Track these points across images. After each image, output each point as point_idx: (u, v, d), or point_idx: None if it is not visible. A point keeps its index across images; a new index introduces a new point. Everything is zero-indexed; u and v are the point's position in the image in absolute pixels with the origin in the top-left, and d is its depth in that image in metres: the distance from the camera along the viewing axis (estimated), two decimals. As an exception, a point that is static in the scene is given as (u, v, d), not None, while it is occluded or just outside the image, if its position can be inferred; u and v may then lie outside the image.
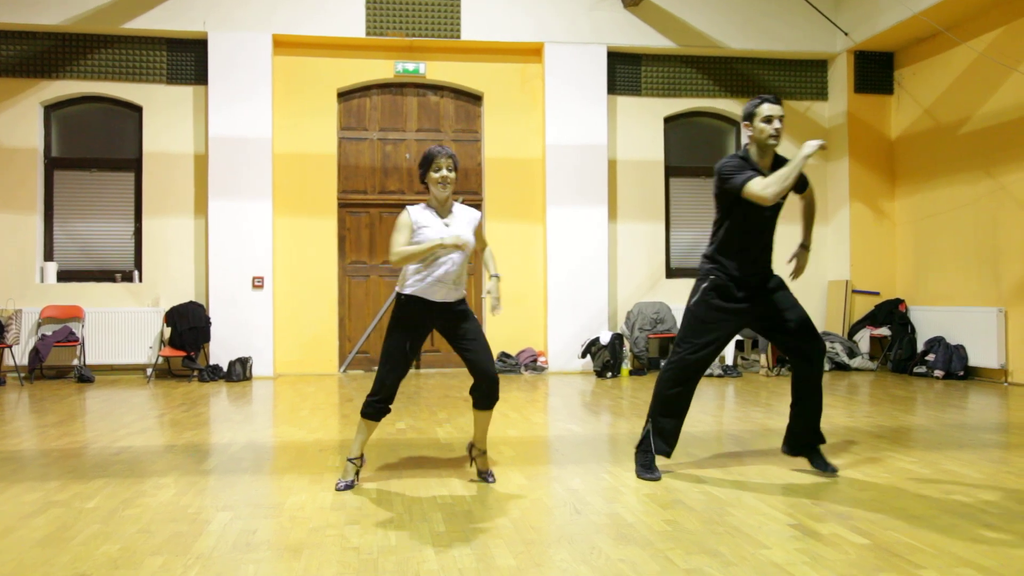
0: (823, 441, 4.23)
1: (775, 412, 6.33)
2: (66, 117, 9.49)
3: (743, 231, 4.02)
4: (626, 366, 9.24)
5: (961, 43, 8.76)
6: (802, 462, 4.32)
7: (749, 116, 4.05)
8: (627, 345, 9.44)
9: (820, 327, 10.13)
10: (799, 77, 10.42)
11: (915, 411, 6.44)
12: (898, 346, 9.40)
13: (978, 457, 4.56)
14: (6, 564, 2.84)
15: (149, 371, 9.07)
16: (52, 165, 9.41)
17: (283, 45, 9.52)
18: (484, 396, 3.92)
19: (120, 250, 9.49)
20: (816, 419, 4.19)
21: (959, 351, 8.68)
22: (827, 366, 9.28)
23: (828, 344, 9.54)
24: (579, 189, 9.73)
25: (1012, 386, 8.05)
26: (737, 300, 4.05)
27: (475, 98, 10.10)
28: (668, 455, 4.18)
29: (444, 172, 3.84)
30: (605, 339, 9.19)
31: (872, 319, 9.81)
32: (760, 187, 3.82)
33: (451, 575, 2.72)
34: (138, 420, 6.12)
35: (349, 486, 3.90)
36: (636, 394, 7.59)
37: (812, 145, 3.77)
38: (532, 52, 9.92)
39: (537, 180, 9.91)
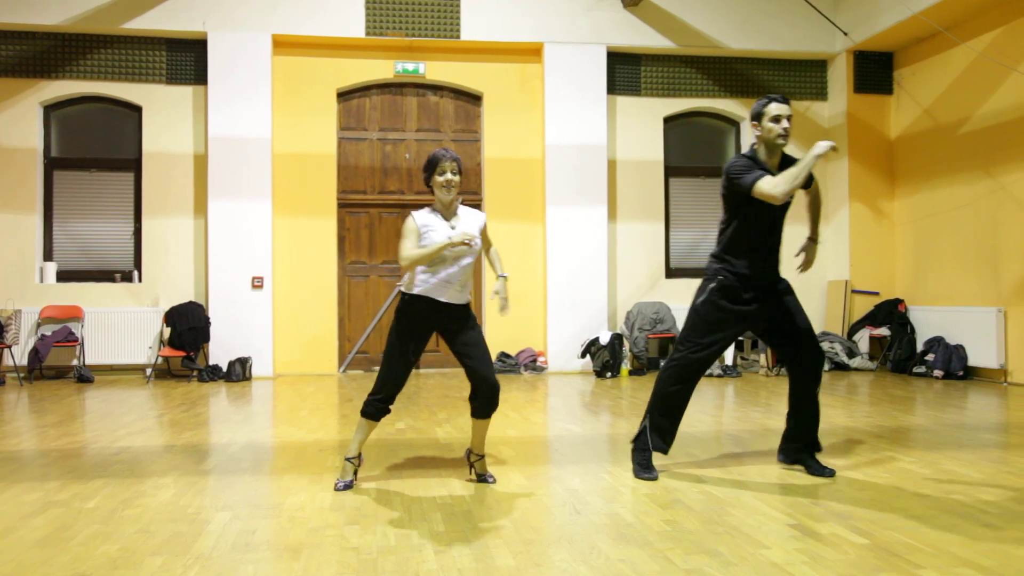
0: (819, 449, 4.23)
1: (774, 412, 6.33)
2: (66, 117, 9.49)
3: (752, 231, 4.01)
4: (626, 366, 9.25)
5: (961, 43, 8.77)
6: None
7: (757, 116, 4.04)
8: (627, 345, 9.44)
9: (820, 327, 10.13)
10: (799, 77, 10.42)
11: (914, 411, 6.45)
12: (897, 346, 9.41)
13: (978, 457, 4.56)
14: (6, 564, 2.84)
15: (149, 371, 9.06)
16: (52, 165, 9.41)
17: (283, 45, 9.52)
18: (484, 404, 3.91)
19: (120, 250, 9.49)
20: (814, 428, 4.20)
21: (958, 351, 8.68)
22: (827, 366, 9.28)
23: (828, 344, 9.54)
24: (579, 189, 9.73)
25: (1011, 386, 8.05)
26: (744, 302, 4.04)
27: (475, 98, 10.10)
28: (665, 452, 4.20)
29: (448, 175, 3.84)
30: (605, 339, 9.19)
31: (872, 319, 9.82)
32: (770, 186, 3.80)
33: (451, 575, 2.72)
34: (137, 420, 6.12)
35: (348, 486, 3.90)
36: (636, 394, 7.59)
37: (823, 145, 3.73)
38: (532, 52, 9.92)
39: (537, 180, 9.91)
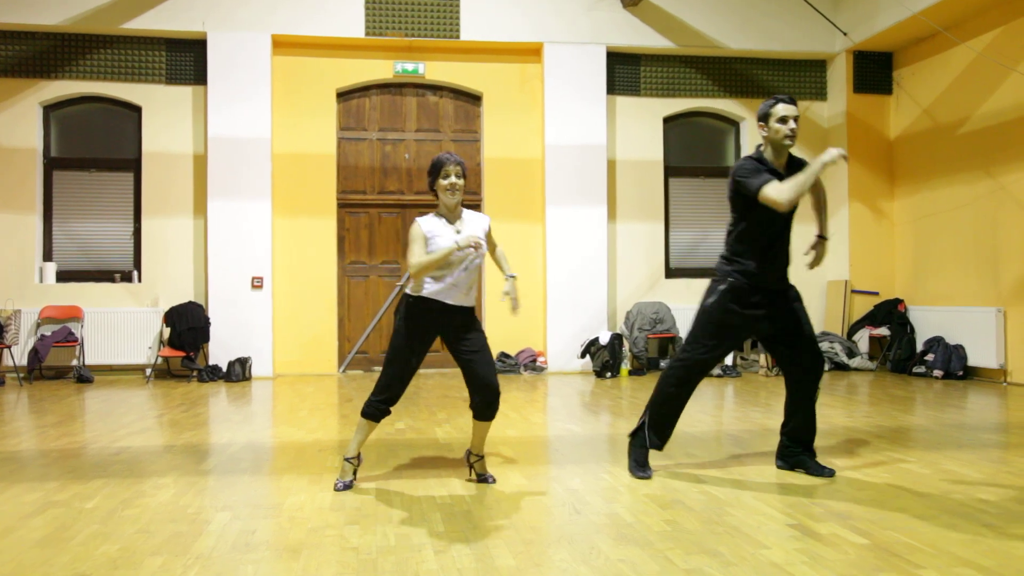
0: (814, 456, 4.23)
1: (774, 412, 6.33)
2: (65, 117, 9.49)
3: (760, 234, 4.00)
4: (625, 366, 9.25)
5: (960, 43, 8.77)
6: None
7: (764, 117, 4.02)
8: (626, 345, 9.44)
9: (819, 327, 10.13)
10: (798, 77, 10.43)
11: (914, 411, 6.45)
12: (897, 346, 9.41)
13: (977, 457, 4.56)
14: (5, 564, 2.84)
15: (148, 371, 9.06)
16: (51, 165, 9.41)
17: (282, 45, 9.52)
18: (486, 407, 3.91)
19: (119, 250, 9.49)
20: (811, 435, 4.20)
21: (958, 351, 8.68)
22: (827, 366, 9.28)
23: (828, 344, 9.55)
24: (578, 189, 9.73)
25: (1011, 386, 8.05)
26: (753, 306, 4.03)
27: (474, 98, 10.10)
28: (660, 448, 4.21)
29: (453, 179, 3.84)
30: (604, 339, 9.19)
31: (871, 319, 9.82)
32: (776, 192, 3.78)
33: (450, 575, 2.72)
34: (137, 420, 6.12)
35: (348, 486, 3.90)
36: (635, 394, 7.59)
37: (833, 153, 3.67)
38: (531, 52, 9.92)
39: (536, 180, 9.91)
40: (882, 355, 9.70)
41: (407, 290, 3.93)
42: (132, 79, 9.36)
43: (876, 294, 9.99)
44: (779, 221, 3.99)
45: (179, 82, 9.42)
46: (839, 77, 10.22)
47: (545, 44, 9.74)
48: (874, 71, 10.13)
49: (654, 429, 4.17)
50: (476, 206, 9.71)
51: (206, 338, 9.04)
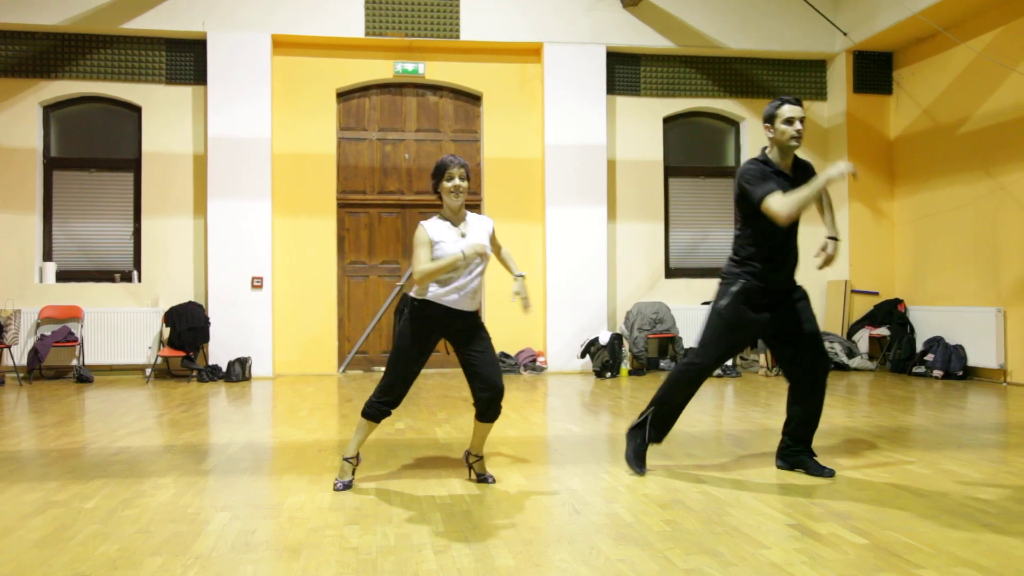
0: (814, 456, 4.23)
1: (774, 412, 6.33)
2: (65, 117, 9.49)
3: (768, 236, 3.99)
4: (625, 366, 9.25)
5: (960, 43, 8.77)
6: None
7: (770, 118, 4.02)
8: (626, 345, 9.44)
9: (820, 327, 10.12)
10: (798, 77, 10.42)
11: (914, 411, 6.45)
12: (897, 346, 9.41)
13: (977, 457, 4.56)
14: (5, 564, 2.84)
15: (148, 371, 9.06)
16: (51, 165, 9.41)
17: (282, 45, 9.52)
18: (490, 408, 3.90)
19: (119, 250, 9.49)
20: (810, 432, 4.20)
21: (958, 351, 8.68)
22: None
23: (827, 344, 9.54)
24: (578, 189, 9.73)
25: (1011, 386, 8.05)
26: (762, 309, 4.04)
27: (474, 98, 10.10)
28: (659, 442, 4.28)
29: (456, 181, 3.84)
30: (604, 339, 9.19)
31: (871, 319, 9.82)
32: (778, 206, 3.78)
33: (450, 575, 2.72)
34: (137, 420, 6.12)
35: (347, 486, 3.91)
36: (635, 394, 7.59)
37: (840, 168, 3.66)
38: (531, 52, 9.93)
39: (536, 180, 9.91)
40: (882, 355, 9.70)
41: (411, 293, 3.93)
42: (132, 79, 9.36)
43: (876, 294, 9.99)
44: (787, 225, 3.99)
45: (179, 82, 9.42)
46: (839, 77, 10.22)
47: (545, 44, 9.75)
48: (874, 71, 10.13)
49: (655, 426, 4.20)
50: (476, 206, 9.71)
51: (206, 338, 9.04)
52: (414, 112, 9.99)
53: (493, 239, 4.06)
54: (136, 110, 9.47)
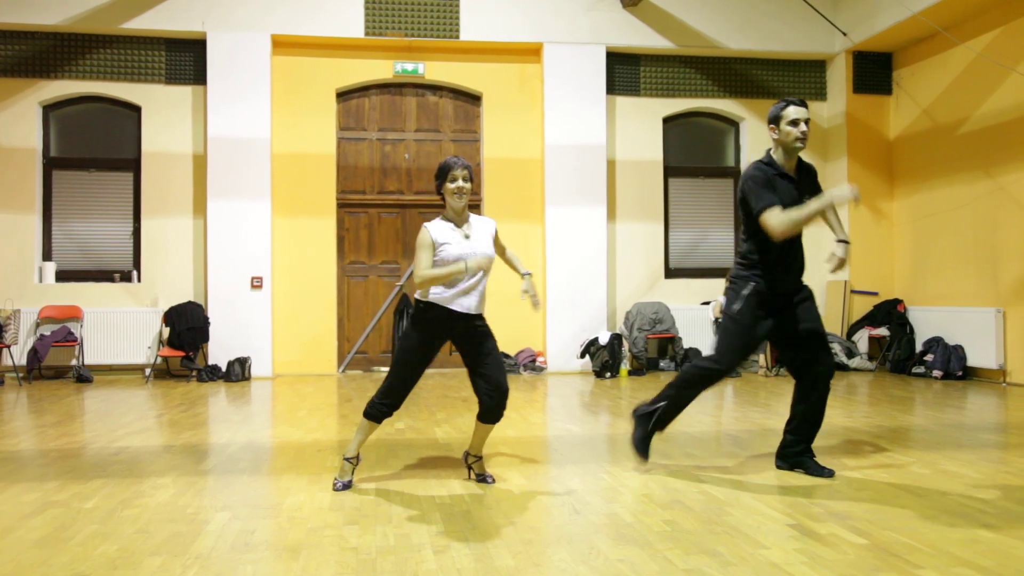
0: (814, 456, 4.23)
1: (774, 412, 6.34)
2: (65, 117, 9.49)
3: (775, 241, 3.96)
4: (625, 366, 9.25)
5: (960, 43, 8.77)
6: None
7: (775, 119, 4.02)
8: (626, 345, 9.44)
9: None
10: (798, 77, 10.43)
11: (914, 411, 6.45)
12: (897, 346, 9.41)
13: (976, 457, 4.56)
14: (5, 564, 2.84)
15: (148, 371, 9.06)
16: (51, 165, 9.40)
17: (282, 45, 9.52)
18: (494, 408, 3.90)
19: (119, 250, 9.48)
20: (812, 431, 4.20)
21: (958, 351, 8.68)
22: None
23: (827, 344, 9.54)
24: (578, 189, 9.73)
25: (1010, 386, 8.05)
26: (769, 313, 4.04)
27: (474, 98, 10.10)
28: (661, 432, 4.33)
29: (460, 183, 3.85)
30: (604, 339, 9.19)
31: (871, 319, 9.82)
32: (774, 222, 3.79)
33: (450, 575, 2.72)
34: (137, 420, 6.11)
35: (347, 486, 3.91)
36: (635, 394, 7.59)
37: (844, 193, 3.66)
38: (531, 52, 9.92)
39: (536, 180, 9.91)
40: (881, 355, 9.70)
41: (416, 295, 3.94)
42: (132, 79, 9.35)
43: (875, 294, 9.99)
44: None
45: (179, 82, 9.41)
46: (839, 77, 10.22)
47: (545, 44, 9.74)
48: (874, 71, 10.13)
49: (660, 420, 4.24)
50: (476, 206, 9.71)
51: (205, 338, 9.04)
52: (414, 112, 9.99)
53: (496, 240, 4.07)
54: (136, 110, 9.46)
